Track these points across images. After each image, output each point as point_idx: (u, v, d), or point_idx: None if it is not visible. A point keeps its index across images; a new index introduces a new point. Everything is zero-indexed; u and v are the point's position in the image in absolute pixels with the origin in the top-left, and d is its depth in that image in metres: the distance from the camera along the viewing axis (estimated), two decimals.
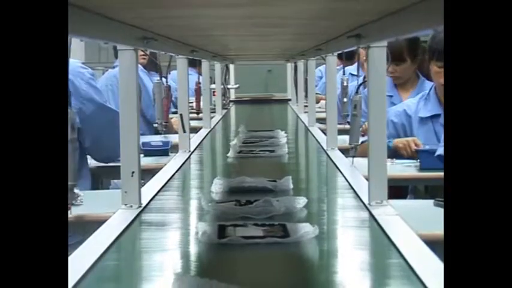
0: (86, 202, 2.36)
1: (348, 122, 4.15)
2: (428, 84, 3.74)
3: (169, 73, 3.66)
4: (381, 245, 1.74)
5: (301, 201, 2.12)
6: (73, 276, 1.47)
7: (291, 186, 2.40)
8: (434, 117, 3.22)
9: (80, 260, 1.58)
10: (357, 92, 2.80)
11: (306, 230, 1.79)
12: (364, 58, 5.72)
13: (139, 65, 4.28)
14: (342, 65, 4.21)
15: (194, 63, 4.90)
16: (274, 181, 2.43)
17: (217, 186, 2.43)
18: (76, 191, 2.41)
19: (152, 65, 4.58)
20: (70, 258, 1.58)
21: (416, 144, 3.17)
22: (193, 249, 1.84)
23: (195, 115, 4.82)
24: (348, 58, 4.54)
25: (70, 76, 2.86)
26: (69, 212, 2.23)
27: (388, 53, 3.74)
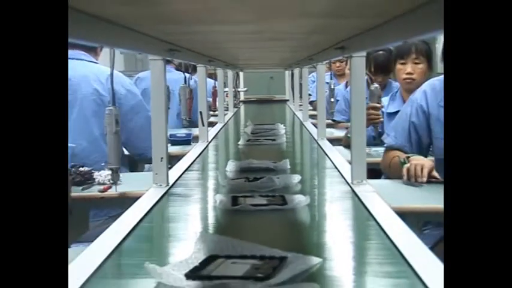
0: (125, 182, 2.38)
1: (333, 120, 4.20)
2: (395, 85, 3.74)
3: (192, 78, 3.69)
4: (361, 214, 1.76)
5: (296, 178, 2.15)
6: (116, 238, 1.50)
7: (289, 166, 2.41)
8: (399, 112, 3.22)
9: (121, 226, 1.60)
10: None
11: (300, 199, 1.83)
12: (337, 69, 5.70)
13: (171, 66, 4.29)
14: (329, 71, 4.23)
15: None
16: (275, 163, 2.45)
17: (230, 167, 2.46)
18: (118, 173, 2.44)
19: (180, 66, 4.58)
20: (113, 225, 1.62)
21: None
22: (212, 214, 1.87)
23: (211, 112, 4.84)
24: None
25: (117, 82, 2.87)
26: (112, 189, 2.28)
27: (379, 67, 3.76)
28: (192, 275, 1.16)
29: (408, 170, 2.26)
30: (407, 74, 3.19)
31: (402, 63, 3.21)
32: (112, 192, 2.32)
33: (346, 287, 1.22)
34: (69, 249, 1.96)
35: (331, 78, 3.90)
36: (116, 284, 1.27)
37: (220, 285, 1.11)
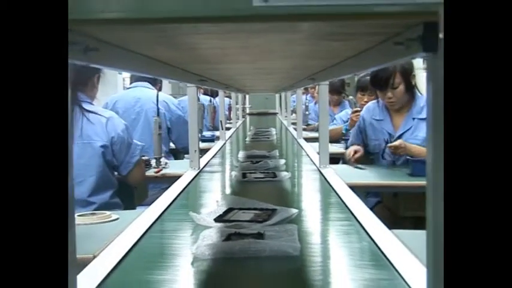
0: (171, 167, 2.38)
1: (308, 124, 4.23)
2: (346, 103, 3.75)
3: (215, 98, 3.72)
4: (324, 185, 1.80)
5: (282, 162, 2.19)
6: (167, 201, 1.53)
7: (278, 154, 2.44)
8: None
9: (168, 197, 1.62)
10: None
11: (285, 174, 1.88)
12: (312, 90, 5.70)
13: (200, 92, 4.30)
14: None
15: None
16: (269, 152, 2.48)
17: (240, 155, 2.49)
18: (164, 160, 2.45)
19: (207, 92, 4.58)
20: (165, 194, 1.63)
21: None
22: (229, 184, 1.91)
23: (228, 120, 4.86)
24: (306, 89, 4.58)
25: (168, 101, 2.90)
26: (164, 170, 2.31)
27: (333, 89, 3.77)
28: (218, 219, 1.22)
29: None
30: (365, 101, 3.25)
31: (362, 94, 3.26)
32: (163, 172, 2.32)
33: (313, 226, 1.27)
34: (134, 210, 2.00)
35: (306, 99, 3.95)
36: (171, 225, 1.30)
37: (236, 225, 1.16)
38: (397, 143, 2.16)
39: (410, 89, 2.31)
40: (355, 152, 2.37)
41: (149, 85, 2.95)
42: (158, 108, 2.36)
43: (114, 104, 2.83)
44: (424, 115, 2.19)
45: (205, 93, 4.36)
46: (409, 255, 0.99)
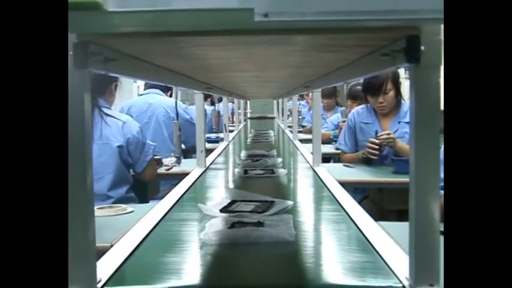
0: (180, 165, 2.40)
1: (302, 126, 4.23)
2: (341, 110, 3.76)
3: (219, 103, 3.72)
4: (317, 182, 1.80)
5: (280, 160, 2.20)
6: (177, 195, 1.53)
7: (275, 153, 2.45)
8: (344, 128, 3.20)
9: (178, 191, 1.62)
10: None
11: (282, 171, 1.88)
12: (307, 97, 5.71)
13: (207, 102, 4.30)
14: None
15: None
16: (268, 151, 2.49)
17: (243, 154, 2.50)
18: (174, 159, 2.45)
19: (210, 100, 4.59)
20: (175, 189, 1.63)
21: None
22: (232, 179, 1.91)
23: (231, 124, 4.86)
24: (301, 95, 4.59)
25: (178, 108, 2.91)
26: (174, 168, 2.31)
27: (326, 94, 3.78)
28: (223, 210, 1.22)
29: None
30: (355, 108, 3.25)
31: (352, 102, 3.26)
32: (173, 170, 2.33)
33: (306, 216, 1.27)
34: (148, 204, 2.00)
35: (300, 104, 3.95)
36: (181, 215, 1.31)
37: (238, 215, 1.17)
38: (388, 132, 2.18)
39: (399, 94, 2.33)
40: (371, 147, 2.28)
41: (160, 92, 2.97)
42: (177, 113, 2.36)
43: (129, 109, 2.85)
44: (408, 119, 2.21)
45: (211, 103, 4.38)
46: (391, 242, 1.00)
